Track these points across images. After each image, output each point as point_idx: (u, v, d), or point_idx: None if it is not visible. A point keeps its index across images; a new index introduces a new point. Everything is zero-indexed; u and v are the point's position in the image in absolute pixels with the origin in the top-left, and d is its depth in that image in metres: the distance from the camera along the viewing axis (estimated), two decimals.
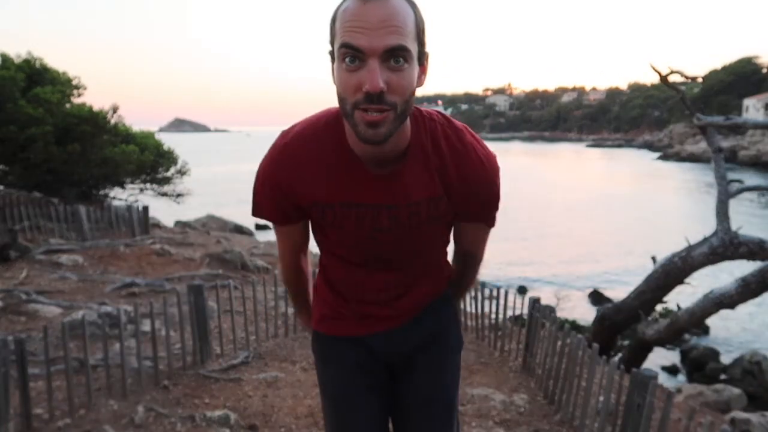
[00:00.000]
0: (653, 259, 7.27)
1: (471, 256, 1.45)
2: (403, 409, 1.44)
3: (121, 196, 11.69)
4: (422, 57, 1.07)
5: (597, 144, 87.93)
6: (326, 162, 1.16)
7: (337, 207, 1.18)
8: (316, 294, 1.48)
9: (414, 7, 1.03)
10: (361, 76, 0.98)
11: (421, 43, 1.05)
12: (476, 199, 1.22)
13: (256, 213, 1.28)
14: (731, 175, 7.35)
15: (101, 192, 11.34)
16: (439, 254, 1.41)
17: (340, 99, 1.04)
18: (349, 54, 0.99)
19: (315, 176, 1.16)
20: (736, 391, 5.72)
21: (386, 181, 1.15)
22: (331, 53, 1.05)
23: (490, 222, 1.32)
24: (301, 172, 1.17)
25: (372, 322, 1.39)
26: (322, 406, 1.49)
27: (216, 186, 27.54)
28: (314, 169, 1.16)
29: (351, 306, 1.39)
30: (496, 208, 1.27)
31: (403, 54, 0.99)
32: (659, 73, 7.33)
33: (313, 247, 1.44)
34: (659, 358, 8.19)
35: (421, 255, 1.33)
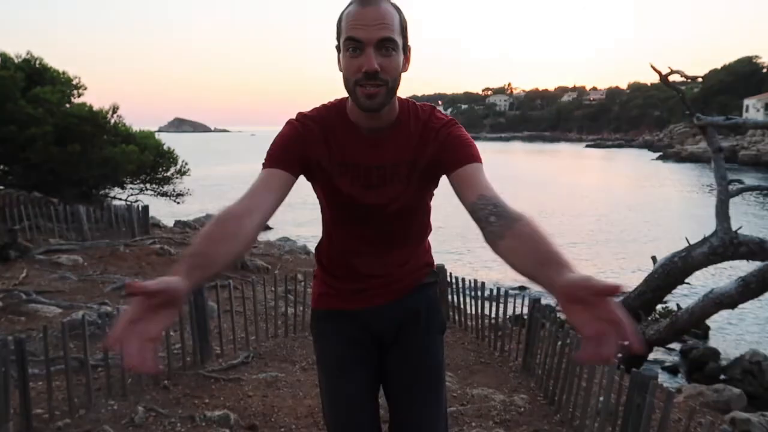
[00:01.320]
0: (653, 259, 7.27)
1: (489, 192, 1.32)
2: (394, 383, 1.63)
3: (121, 196, 11.68)
4: (406, 49, 1.38)
5: (597, 144, 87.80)
6: (332, 128, 1.46)
7: (336, 165, 1.46)
8: (315, 280, 1.72)
9: (399, 11, 1.36)
10: (361, 60, 1.30)
11: (404, 38, 1.36)
12: (451, 143, 1.44)
13: (265, 158, 1.41)
14: (731, 175, 7.34)
15: (101, 192, 11.34)
16: (420, 229, 1.61)
17: (345, 80, 1.34)
18: (352, 45, 1.30)
19: (322, 139, 1.45)
20: (736, 391, 5.70)
21: (377, 144, 1.45)
22: (338, 47, 1.36)
23: (474, 156, 1.41)
24: (312, 135, 1.45)
25: (364, 297, 1.61)
26: (319, 379, 1.68)
27: (216, 187, 27.54)
28: (322, 134, 1.45)
29: (346, 283, 1.62)
30: (472, 146, 1.45)
31: (392, 44, 1.31)
32: (659, 73, 7.34)
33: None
34: (659, 358, 8.18)
35: (402, 211, 1.52)
